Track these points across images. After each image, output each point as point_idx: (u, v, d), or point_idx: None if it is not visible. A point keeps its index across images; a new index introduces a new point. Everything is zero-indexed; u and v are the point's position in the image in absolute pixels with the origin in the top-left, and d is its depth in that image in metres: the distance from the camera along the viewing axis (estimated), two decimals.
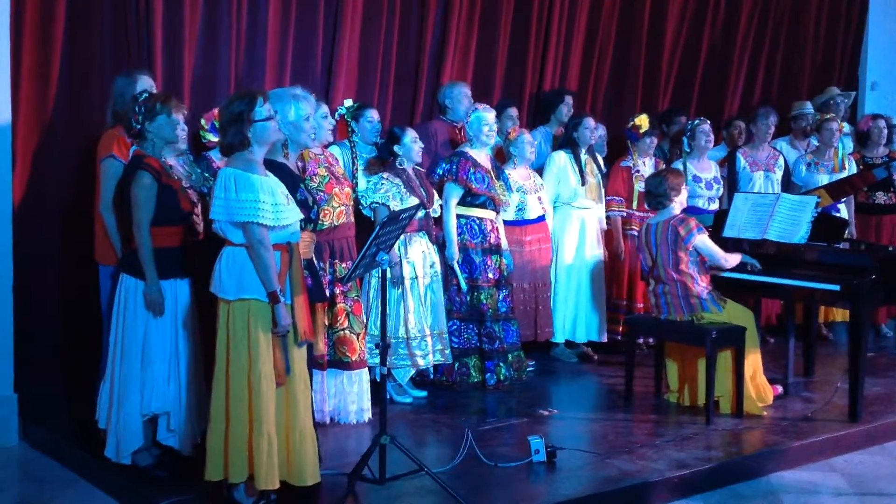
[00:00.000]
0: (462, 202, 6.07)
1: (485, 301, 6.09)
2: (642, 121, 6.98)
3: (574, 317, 6.83)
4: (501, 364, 6.12)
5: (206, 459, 4.05)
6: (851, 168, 7.36)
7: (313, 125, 4.66)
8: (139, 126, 4.42)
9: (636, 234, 6.64)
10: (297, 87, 4.76)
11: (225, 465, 4.02)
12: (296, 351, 4.13)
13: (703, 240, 5.52)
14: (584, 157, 6.79)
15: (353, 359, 5.25)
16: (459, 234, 6.08)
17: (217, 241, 4.10)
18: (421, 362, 5.77)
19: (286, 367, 4.06)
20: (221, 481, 4.06)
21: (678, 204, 5.66)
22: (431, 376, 6.06)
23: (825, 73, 9.61)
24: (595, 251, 6.86)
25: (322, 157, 5.30)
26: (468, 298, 6.07)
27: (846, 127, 8.14)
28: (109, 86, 5.40)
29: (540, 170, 6.79)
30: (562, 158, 6.76)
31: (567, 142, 6.82)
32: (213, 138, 5.26)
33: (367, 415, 5.33)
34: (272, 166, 4.18)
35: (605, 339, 6.91)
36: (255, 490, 4.05)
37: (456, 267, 6.03)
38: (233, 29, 6.14)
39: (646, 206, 6.63)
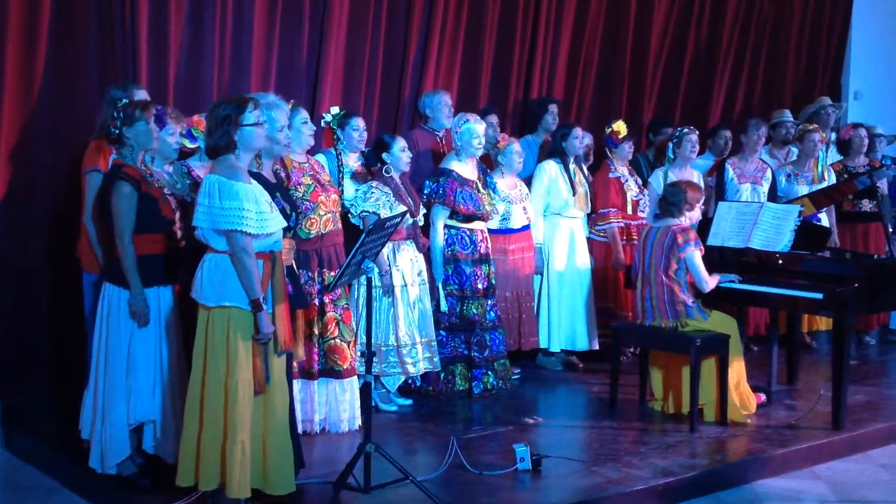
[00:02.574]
0: (451, 217, 6.07)
1: (475, 311, 6.09)
2: (620, 127, 7.01)
3: (570, 326, 6.82)
4: (489, 373, 6.12)
5: (178, 464, 4.05)
6: (831, 179, 7.39)
7: (287, 134, 4.64)
8: (118, 132, 4.41)
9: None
10: (269, 94, 4.73)
11: (196, 470, 4.01)
12: (275, 360, 4.12)
13: (694, 255, 5.53)
14: (572, 166, 6.81)
15: (345, 367, 5.23)
16: (450, 245, 6.07)
17: (199, 247, 4.09)
18: (411, 370, 5.76)
19: (266, 376, 4.05)
20: (217, 490, 4.04)
21: (687, 219, 5.68)
22: (419, 384, 6.06)
23: (808, 82, 9.68)
24: (584, 260, 6.87)
25: (307, 165, 5.27)
26: (458, 309, 6.08)
27: (832, 136, 8.18)
28: (95, 94, 5.40)
29: (527, 179, 6.80)
30: (552, 169, 6.76)
31: (555, 151, 6.84)
32: (189, 144, 5.25)
33: (359, 422, 5.31)
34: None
35: (596, 347, 6.90)
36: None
37: (440, 287, 6.03)
38: (217, 36, 6.14)
39: (640, 210, 6.71)
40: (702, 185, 7.17)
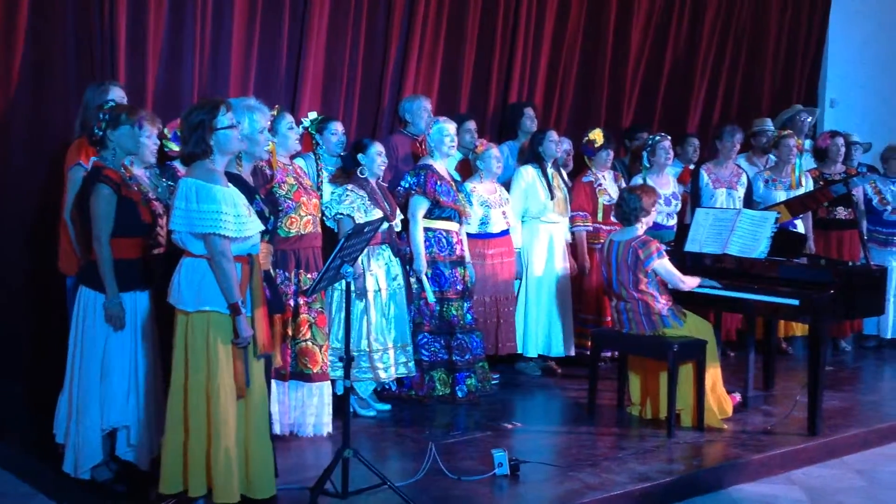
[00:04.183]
0: (428, 215, 6.08)
1: (454, 313, 6.09)
2: (596, 135, 7.04)
3: (545, 331, 6.83)
4: (472, 375, 6.12)
5: (162, 472, 4.02)
6: (808, 185, 7.45)
7: (268, 137, 4.64)
8: (101, 133, 4.38)
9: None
10: (251, 98, 4.74)
11: (184, 478, 3.99)
12: (255, 363, 4.10)
13: (662, 263, 5.56)
14: (550, 171, 6.83)
15: (315, 371, 5.20)
16: (428, 248, 6.08)
17: (177, 252, 4.07)
18: (383, 375, 5.74)
19: (246, 380, 4.03)
20: (181, 493, 4.02)
21: (644, 224, 5.69)
22: (395, 389, 6.05)
23: (785, 90, 9.77)
24: (563, 265, 6.89)
25: (290, 167, 5.28)
26: (437, 311, 6.07)
27: (807, 143, 8.24)
28: (73, 94, 5.37)
29: (506, 183, 6.82)
30: (530, 174, 6.78)
31: (533, 156, 6.86)
32: (176, 147, 5.23)
33: (327, 428, 5.28)
34: (227, 178, 4.14)
35: (572, 353, 6.92)
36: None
37: (424, 279, 6.03)
38: (197, 39, 6.11)
39: (612, 217, 6.72)
40: (677, 191, 7.23)
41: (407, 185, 6.07)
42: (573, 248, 7.02)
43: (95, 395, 4.32)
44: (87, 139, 4.66)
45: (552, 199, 6.76)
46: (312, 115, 5.92)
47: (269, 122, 4.67)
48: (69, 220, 4.74)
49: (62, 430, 4.46)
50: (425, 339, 6.05)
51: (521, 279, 6.80)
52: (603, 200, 6.98)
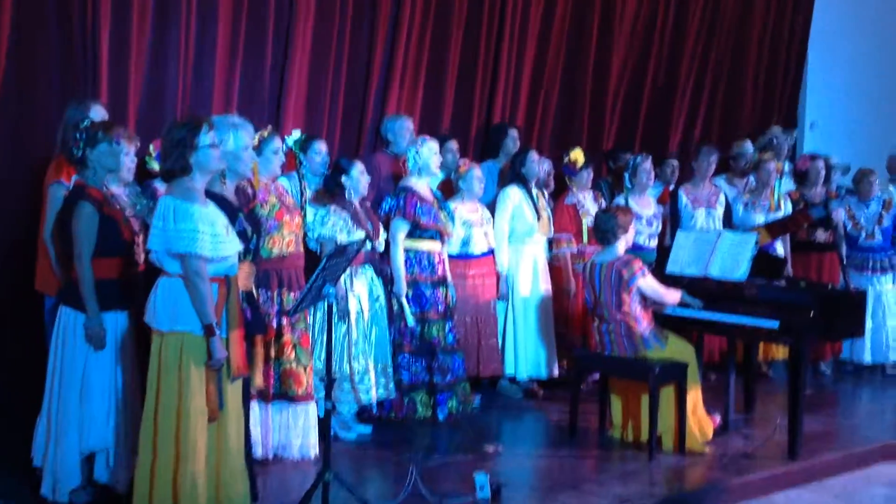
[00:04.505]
0: (410, 235, 6.06)
1: (436, 334, 6.08)
2: (577, 155, 7.06)
3: (532, 352, 6.82)
4: (453, 396, 6.10)
5: (133, 495, 3.97)
6: (787, 207, 7.48)
7: (252, 155, 4.62)
8: (80, 153, 4.35)
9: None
10: (234, 115, 4.71)
11: (150, 500, 3.93)
12: (230, 387, 4.06)
13: (646, 282, 5.57)
14: (534, 191, 6.84)
15: (300, 392, 5.16)
16: (409, 268, 6.06)
17: (156, 271, 4.03)
18: (363, 397, 5.70)
19: (219, 403, 3.99)
20: None
21: (624, 242, 5.71)
22: (375, 411, 6.01)
23: (765, 112, 9.84)
24: (546, 286, 6.88)
25: (272, 186, 5.25)
26: (418, 331, 6.05)
27: (786, 165, 8.29)
28: (55, 111, 5.31)
29: (488, 204, 6.81)
30: (516, 195, 6.78)
31: (516, 177, 6.86)
32: (158, 167, 5.20)
33: (313, 451, 5.21)
34: (209, 197, 4.11)
35: (556, 375, 6.90)
36: None
37: (404, 302, 6.01)
38: (180, 56, 6.08)
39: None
40: (658, 212, 7.26)
41: (387, 209, 6.05)
42: (553, 269, 7.01)
43: (75, 418, 4.28)
44: (66, 158, 4.62)
45: (538, 219, 6.77)
46: (296, 134, 5.90)
47: (254, 140, 4.65)
48: (49, 239, 4.70)
49: (40, 453, 4.40)
50: (405, 360, 6.02)
51: (505, 300, 6.79)
52: (587, 222, 7.00)
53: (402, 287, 6.00)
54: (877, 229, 7.90)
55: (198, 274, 3.86)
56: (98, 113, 4.89)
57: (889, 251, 7.94)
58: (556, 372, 6.88)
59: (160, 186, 5.00)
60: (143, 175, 5.42)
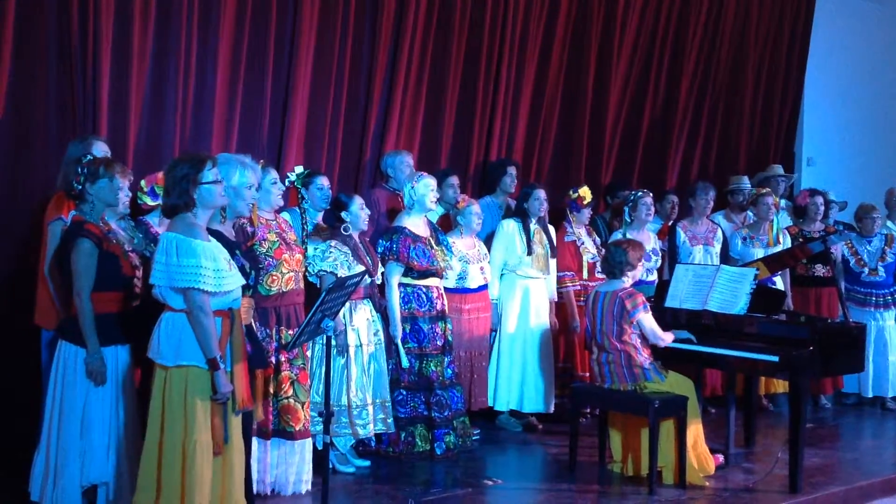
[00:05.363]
0: (406, 274, 6.07)
1: (434, 369, 6.07)
2: (585, 192, 7.10)
3: (520, 386, 6.81)
4: (450, 432, 6.08)
5: None
6: (786, 242, 7.51)
7: (254, 195, 4.65)
8: (80, 187, 4.38)
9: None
10: (247, 155, 4.77)
11: None
12: (234, 419, 4.06)
13: (645, 318, 5.59)
14: (533, 227, 6.86)
15: (297, 428, 5.14)
16: (407, 304, 6.07)
17: (156, 305, 4.04)
18: (361, 432, 5.68)
19: (225, 436, 3.99)
20: None
21: (630, 278, 5.73)
22: (373, 445, 5.99)
23: (762, 148, 9.90)
24: (540, 321, 6.88)
25: (274, 222, 5.25)
26: (416, 367, 6.05)
27: (782, 202, 8.34)
28: (54, 149, 5.35)
29: (486, 239, 6.84)
30: (510, 226, 6.82)
31: (517, 212, 6.91)
32: (150, 202, 5.24)
33: (307, 486, 5.19)
34: (208, 233, 4.14)
35: (551, 410, 6.88)
36: None
37: (399, 344, 6.01)
38: (179, 93, 6.14)
39: (596, 273, 6.75)
40: (657, 247, 7.29)
41: (381, 251, 6.06)
42: (559, 307, 7.02)
43: (75, 451, 4.27)
44: (66, 194, 4.65)
45: (529, 253, 6.78)
46: (299, 169, 5.94)
47: (257, 181, 4.69)
48: (48, 274, 4.71)
49: (38, 488, 4.38)
50: (401, 396, 6.01)
51: (496, 331, 6.80)
52: (587, 258, 7.03)
53: (398, 329, 6.00)
54: (880, 266, 7.93)
55: (201, 309, 3.88)
56: (100, 149, 4.94)
57: (892, 287, 7.98)
58: (551, 408, 6.85)
59: (152, 221, 5.03)
60: (136, 211, 5.43)
